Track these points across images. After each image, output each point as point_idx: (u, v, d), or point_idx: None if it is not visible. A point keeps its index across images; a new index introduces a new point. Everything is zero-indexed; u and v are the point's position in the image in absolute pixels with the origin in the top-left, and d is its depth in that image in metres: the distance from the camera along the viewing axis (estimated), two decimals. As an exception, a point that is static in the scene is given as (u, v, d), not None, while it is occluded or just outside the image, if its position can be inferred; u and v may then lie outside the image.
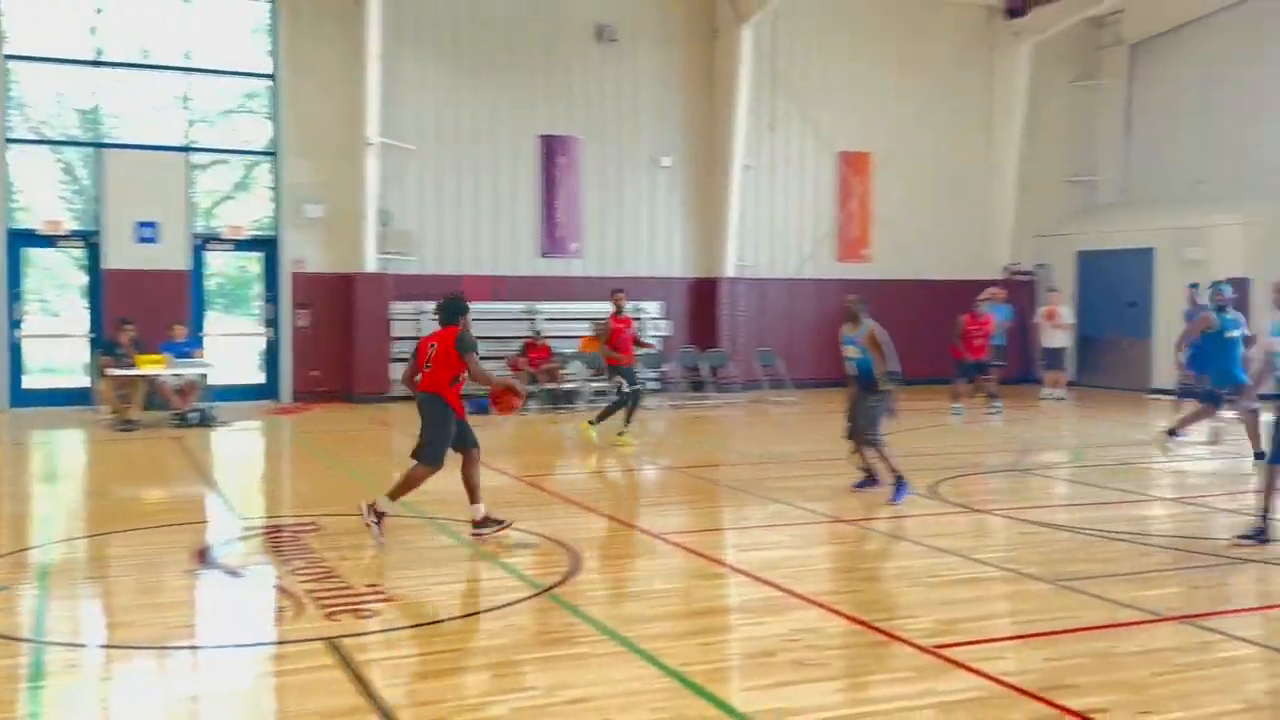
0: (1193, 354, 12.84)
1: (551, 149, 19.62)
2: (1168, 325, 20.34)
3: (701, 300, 20.67)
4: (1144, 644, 5.97)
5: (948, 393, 17.18)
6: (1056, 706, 5.03)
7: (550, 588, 7.06)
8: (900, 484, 9.84)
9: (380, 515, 8.14)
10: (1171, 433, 12.52)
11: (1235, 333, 11.97)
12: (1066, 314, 20.06)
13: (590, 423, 13.67)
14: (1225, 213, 19.79)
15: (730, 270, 20.55)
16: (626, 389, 13.59)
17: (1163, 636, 6.11)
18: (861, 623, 6.33)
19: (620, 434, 13.48)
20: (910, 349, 20.99)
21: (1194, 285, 17.09)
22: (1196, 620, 6.39)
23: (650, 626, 6.29)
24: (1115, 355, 21.49)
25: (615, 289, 14.16)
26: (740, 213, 20.54)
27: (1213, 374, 12.07)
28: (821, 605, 6.72)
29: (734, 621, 6.54)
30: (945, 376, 17.56)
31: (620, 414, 13.64)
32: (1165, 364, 20.35)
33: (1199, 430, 13.58)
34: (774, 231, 21.23)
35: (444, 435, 8.17)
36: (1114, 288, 21.39)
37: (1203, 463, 12.72)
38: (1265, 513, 8.24)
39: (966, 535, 8.85)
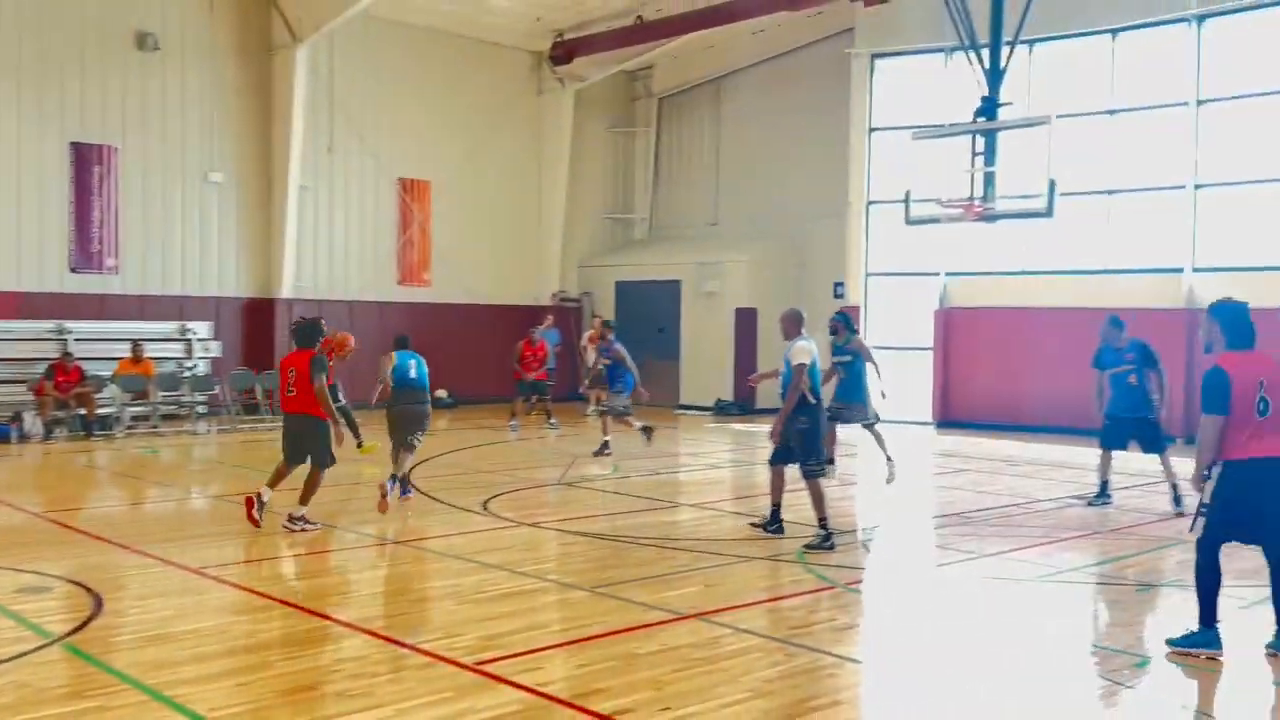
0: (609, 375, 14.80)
1: (85, 158, 17.62)
2: (693, 348, 22.07)
3: (256, 321, 19.51)
4: (665, 642, 6.25)
5: (506, 411, 17.45)
6: (586, 712, 5.11)
7: (65, 636, 6.19)
8: (400, 481, 10.48)
9: (302, 518, 9.10)
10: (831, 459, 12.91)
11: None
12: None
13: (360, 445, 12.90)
14: (736, 250, 21.81)
15: (287, 291, 19.58)
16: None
17: (682, 634, 6.44)
18: (407, 645, 6.12)
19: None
20: (468, 370, 21.40)
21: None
22: (711, 616, 6.81)
23: (180, 670, 5.68)
24: (649, 375, 22.86)
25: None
26: (297, 233, 19.66)
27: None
28: (367, 631, 6.43)
29: (274, 657, 6.07)
30: (503, 396, 17.83)
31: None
32: (689, 383, 22.09)
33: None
34: (333, 253, 20.52)
35: (328, 442, 9.23)
36: (647, 314, 22.83)
37: (721, 470, 13.81)
38: (776, 507, 9.19)
39: (514, 549, 8.90)
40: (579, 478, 12.86)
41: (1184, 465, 10.46)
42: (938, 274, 19.25)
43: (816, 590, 7.68)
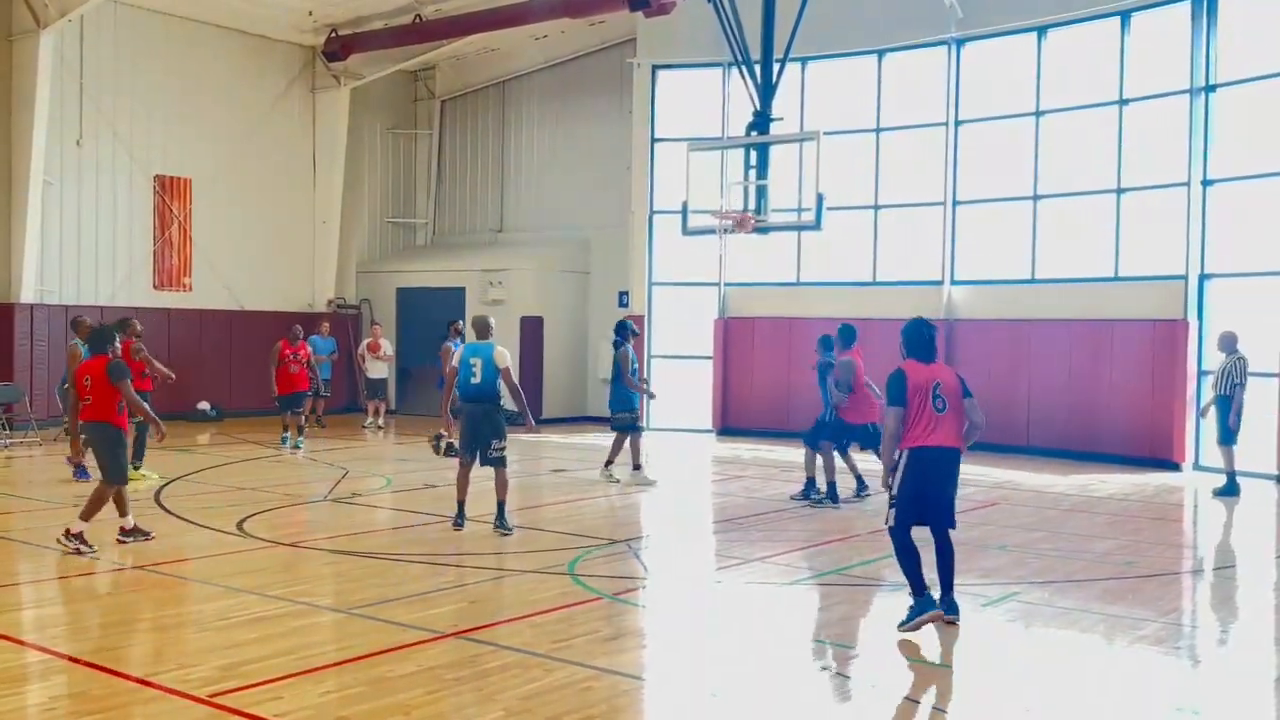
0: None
1: None
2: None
3: (-9, 328, 18.00)
4: (421, 664, 6.09)
5: (276, 424, 16.72)
6: (326, 742, 4.91)
7: None
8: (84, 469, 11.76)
9: (79, 536, 8.74)
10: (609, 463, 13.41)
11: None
12: (387, 347, 20.64)
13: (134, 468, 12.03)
14: (522, 258, 21.72)
15: (29, 295, 18.15)
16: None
17: (439, 654, 6.29)
18: (134, 679, 5.72)
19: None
20: (234, 380, 20.43)
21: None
22: (471, 634, 6.70)
23: None
24: (433, 385, 22.51)
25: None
26: (41, 232, 18.26)
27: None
28: (91, 665, 5.98)
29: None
30: (273, 409, 16.96)
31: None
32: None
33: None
34: (81, 254, 19.16)
35: (122, 455, 9.09)
36: (431, 322, 22.39)
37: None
38: (461, 503, 10.08)
39: (267, 572, 8.50)
40: (348, 494, 12.43)
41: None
42: (717, 284, 19.74)
43: (584, 602, 7.67)
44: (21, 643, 6.44)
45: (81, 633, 6.78)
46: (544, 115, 22.80)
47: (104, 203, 19.41)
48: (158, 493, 11.88)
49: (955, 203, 18.03)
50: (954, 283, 18.02)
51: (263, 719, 5.16)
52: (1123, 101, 16.28)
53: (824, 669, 6.35)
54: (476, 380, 9.88)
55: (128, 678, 5.76)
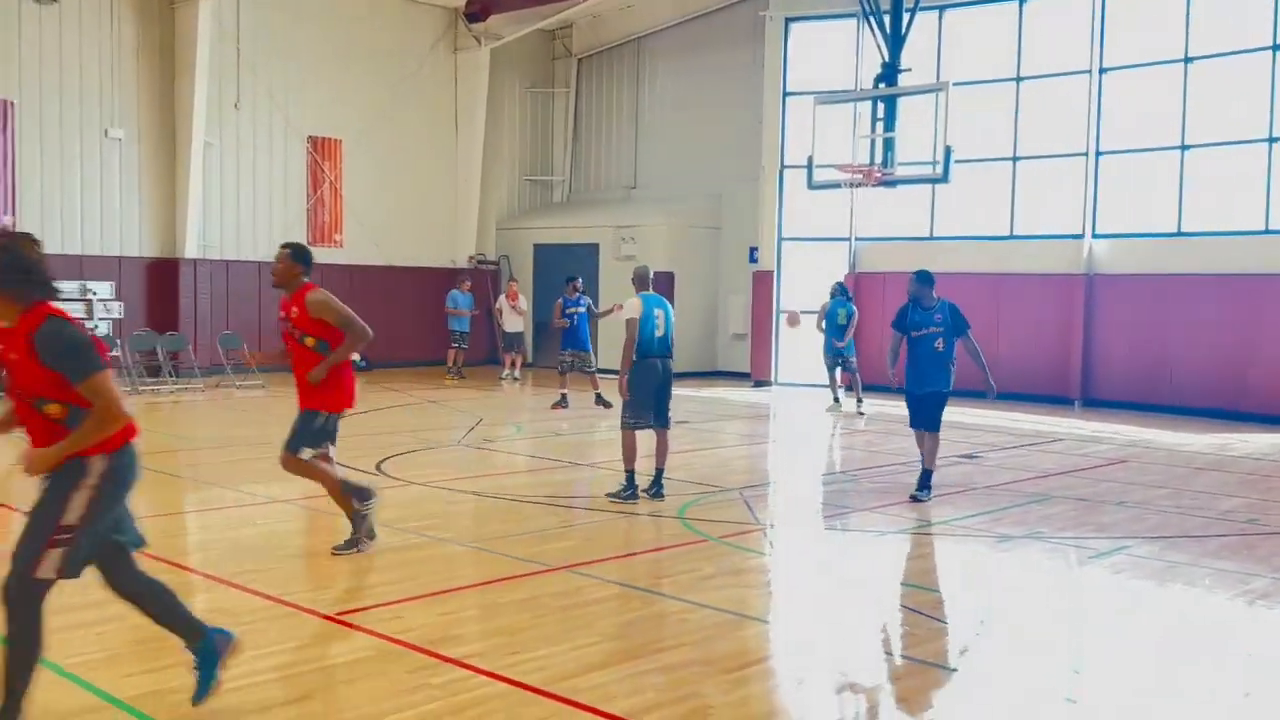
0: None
1: (-22, 112, 17.29)
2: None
3: (160, 281, 19.34)
4: (529, 592, 6.50)
5: (421, 375, 17.52)
6: (436, 656, 5.34)
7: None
8: None
9: None
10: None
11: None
12: (524, 301, 21.26)
13: None
14: (654, 214, 22.00)
15: (193, 251, 19.41)
16: None
17: (548, 585, 6.69)
18: (271, 598, 6.30)
19: None
20: (383, 333, 21.33)
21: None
22: (580, 568, 7.08)
23: (38, 622, 5.79)
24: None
25: None
26: (203, 192, 19.47)
27: None
28: (236, 585, 6.58)
29: (130, 609, 6.19)
30: (418, 360, 17.81)
31: None
32: (607, 346, 22.30)
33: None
34: (240, 212, 20.34)
35: None
36: (565, 279, 22.91)
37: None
38: (630, 473, 9.22)
39: (400, 507, 9.03)
40: (480, 439, 13.03)
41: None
42: (848, 239, 19.61)
43: (690, 543, 7.98)
44: (180, 566, 7.12)
45: (225, 557, 7.43)
46: (677, 71, 22.93)
47: (260, 163, 20.52)
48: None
49: (1099, 154, 17.45)
50: (1095, 236, 17.49)
51: (381, 634, 5.64)
52: (1276, 46, 15.45)
53: None
54: (662, 333, 9.06)
55: (265, 596, 6.34)
